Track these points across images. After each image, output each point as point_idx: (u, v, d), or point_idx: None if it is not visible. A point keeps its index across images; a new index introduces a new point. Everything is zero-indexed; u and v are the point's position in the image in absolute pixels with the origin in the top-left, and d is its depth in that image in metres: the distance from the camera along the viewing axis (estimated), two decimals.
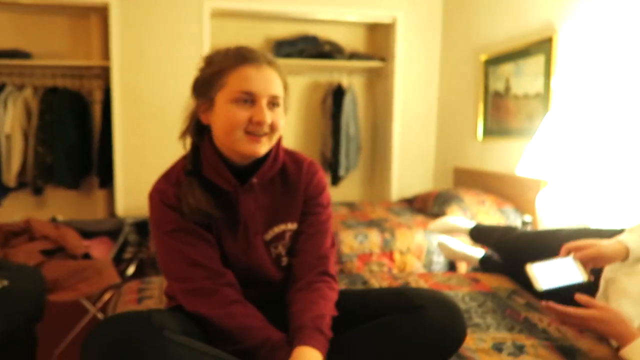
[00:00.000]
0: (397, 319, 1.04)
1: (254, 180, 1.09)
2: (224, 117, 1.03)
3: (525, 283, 1.69)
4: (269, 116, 1.03)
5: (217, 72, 1.04)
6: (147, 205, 1.11)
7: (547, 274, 1.22)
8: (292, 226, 1.16)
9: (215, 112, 1.05)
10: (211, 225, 1.08)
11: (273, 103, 1.05)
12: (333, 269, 1.17)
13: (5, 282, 1.30)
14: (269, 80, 1.04)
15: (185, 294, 1.05)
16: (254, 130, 1.03)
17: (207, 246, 1.07)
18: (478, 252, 2.08)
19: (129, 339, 0.86)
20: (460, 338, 1.07)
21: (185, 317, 1.03)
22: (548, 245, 1.59)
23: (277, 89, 1.05)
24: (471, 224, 2.11)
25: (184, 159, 1.13)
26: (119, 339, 0.86)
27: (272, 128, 1.04)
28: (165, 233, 1.06)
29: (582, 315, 1.14)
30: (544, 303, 1.18)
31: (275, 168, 1.13)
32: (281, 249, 1.16)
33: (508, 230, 1.93)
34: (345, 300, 1.13)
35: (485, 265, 2.00)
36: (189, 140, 1.14)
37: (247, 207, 1.10)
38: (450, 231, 2.18)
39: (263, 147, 1.05)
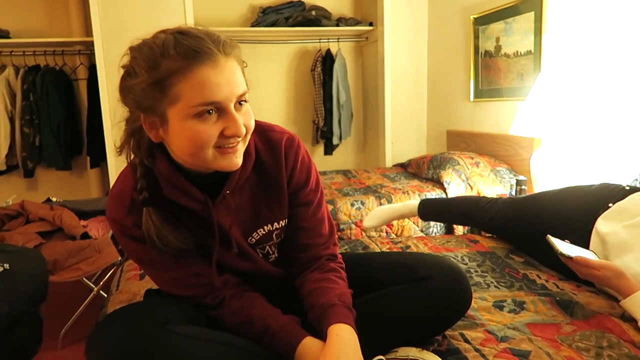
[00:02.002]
0: (403, 289, 1.03)
1: (227, 192, 0.93)
2: (185, 137, 0.81)
3: (520, 249, 1.72)
4: (242, 124, 0.83)
5: (160, 80, 0.79)
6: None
7: (566, 247, 1.26)
8: (278, 225, 1.03)
9: (170, 130, 0.83)
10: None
11: (240, 102, 0.84)
12: (337, 250, 1.10)
13: (6, 265, 1.30)
14: (231, 78, 0.81)
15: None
16: (226, 143, 0.83)
17: (197, 264, 0.97)
18: (411, 201, 2.09)
19: (133, 337, 0.81)
20: (465, 306, 1.09)
21: (183, 300, 0.98)
22: (536, 211, 1.61)
23: (241, 84, 0.83)
24: (413, 204, 2.05)
25: (131, 175, 0.92)
26: (123, 339, 0.81)
27: (246, 131, 0.85)
28: (143, 262, 0.97)
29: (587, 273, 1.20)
30: (575, 257, 1.21)
31: (249, 166, 0.95)
32: (269, 249, 1.05)
33: (479, 206, 1.83)
34: (349, 267, 1.11)
35: (424, 210, 2.00)
36: (131, 157, 0.92)
37: (222, 219, 0.95)
38: (390, 218, 2.11)
39: (239, 157, 0.87)
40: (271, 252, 1.07)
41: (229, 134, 0.82)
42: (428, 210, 1.99)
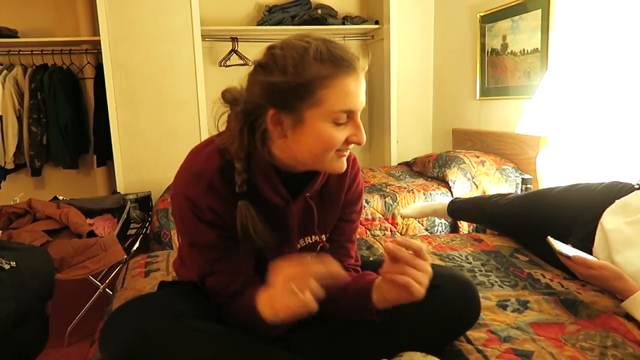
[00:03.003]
0: None
1: (307, 194, 0.99)
2: (318, 138, 0.86)
3: (525, 246, 1.72)
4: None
5: (308, 83, 0.83)
6: (170, 204, 0.98)
7: (566, 248, 1.26)
8: (325, 237, 1.06)
9: (301, 130, 0.87)
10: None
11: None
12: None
13: (13, 263, 1.31)
14: (363, 90, 0.88)
15: (208, 290, 0.98)
16: (345, 148, 0.90)
17: (245, 257, 0.97)
18: (443, 200, 2.11)
19: (148, 328, 0.82)
20: (475, 316, 1.08)
21: (198, 293, 0.99)
22: (542, 207, 1.61)
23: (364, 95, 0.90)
24: (445, 201, 2.10)
25: (216, 158, 0.93)
26: (137, 330, 0.82)
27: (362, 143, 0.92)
28: (196, 246, 0.95)
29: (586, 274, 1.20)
30: (574, 257, 1.21)
31: (326, 175, 1.01)
32: None
33: (492, 202, 1.87)
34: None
35: (453, 210, 2.03)
36: (237, 144, 0.91)
37: (293, 219, 0.99)
38: (424, 213, 2.17)
39: (346, 162, 0.95)
40: None
41: (354, 141, 0.89)
42: (453, 208, 2.03)
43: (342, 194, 1.05)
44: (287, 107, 0.86)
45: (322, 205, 1.04)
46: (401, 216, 2.37)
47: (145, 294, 0.99)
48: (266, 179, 0.93)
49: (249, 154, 0.91)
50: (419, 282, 0.82)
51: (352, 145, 0.91)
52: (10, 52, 3.33)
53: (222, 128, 0.97)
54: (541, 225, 1.55)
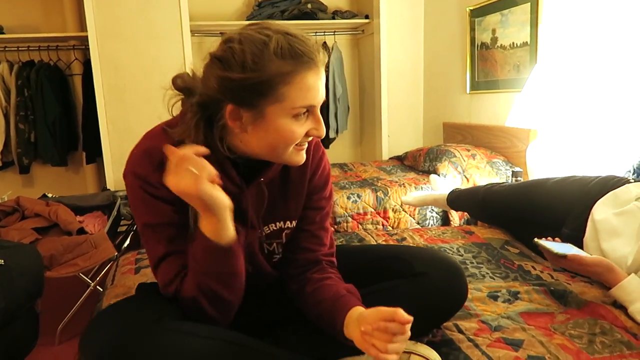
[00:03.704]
0: (399, 284, 1.03)
1: (262, 179, 0.97)
2: (277, 133, 0.86)
3: (516, 235, 1.74)
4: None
5: (269, 80, 0.82)
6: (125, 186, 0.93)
7: (557, 246, 1.26)
8: (290, 224, 1.04)
9: (261, 125, 0.86)
10: None
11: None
12: (335, 262, 1.09)
13: (1, 261, 1.30)
14: (322, 83, 0.88)
15: (164, 289, 0.93)
16: (304, 141, 0.91)
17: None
18: (444, 190, 2.11)
19: (126, 333, 0.79)
20: (461, 300, 1.09)
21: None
22: (537, 196, 1.62)
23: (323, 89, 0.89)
24: (446, 191, 2.10)
25: (164, 138, 0.90)
26: (116, 335, 0.79)
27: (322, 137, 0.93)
28: (149, 227, 0.91)
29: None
30: (570, 255, 1.21)
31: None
32: (275, 247, 1.05)
33: (486, 189, 1.90)
34: (343, 259, 1.10)
35: (453, 201, 2.03)
36: (193, 134, 0.89)
37: (248, 205, 0.97)
38: (425, 202, 2.18)
39: (308, 150, 0.95)
40: (277, 252, 1.06)
41: (314, 134, 0.90)
42: (452, 197, 2.03)
43: (305, 180, 1.03)
44: (247, 104, 0.84)
45: (285, 191, 1.02)
46: (403, 203, 2.37)
47: (123, 299, 0.96)
48: (219, 167, 0.89)
49: (204, 142, 0.88)
50: (396, 352, 0.82)
51: (311, 137, 0.91)
52: None
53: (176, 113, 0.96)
54: (534, 214, 1.57)
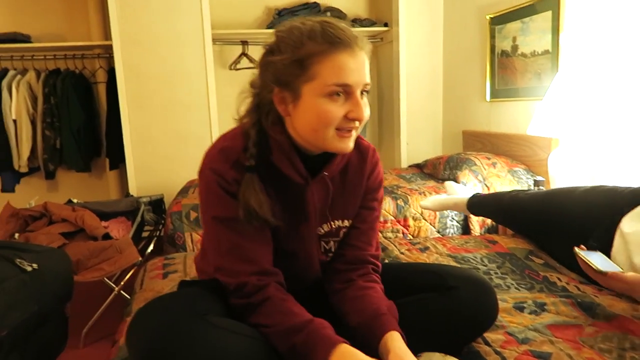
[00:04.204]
0: (430, 297, 1.04)
1: (325, 173, 1.01)
2: (315, 113, 0.90)
3: (542, 245, 1.72)
4: (363, 109, 0.92)
5: (302, 59, 0.88)
6: (199, 181, 0.98)
7: (595, 260, 1.24)
8: (348, 223, 1.08)
9: (300, 105, 0.91)
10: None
11: (363, 91, 0.93)
12: (380, 267, 1.12)
13: (35, 265, 1.34)
14: (362, 67, 0.91)
15: (226, 285, 0.97)
16: (347, 126, 0.92)
17: (263, 241, 0.98)
18: (464, 194, 2.10)
19: (174, 324, 0.83)
20: (492, 317, 1.09)
21: (222, 294, 0.98)
22: (564, 205, 1.61)
23: (368, 75, 0.93)
24: (466, 195, 2.09)
25: (241, 138, 0.98)
26: (164, 326, 0.83)
27: (362, 118, 0.93)
28: (219, 220, 0.96)
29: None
30: (610, 273, 1.19)
31: (345, 159, 1.04)
32: (332, 245, 1.08)
33: (512, 196, 1.89)
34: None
35: (474, 206, 2.02)
36: (249, 122, 0.98)
37: (312, 200, 1.02)
38: (444, 205, 2.17)
39: (352, 142, 0.95)
40: (332, 251, 1.09)
41: (352, 117, 0.91)
42: (473, 202, 2.02)
43: (363, 179, 1.07)
44: (287, 84, 0.91)
45: (344, 189, 1.06)
46: (421, 207, 2.37)
47: (168, 293, 1.00)
48: (285, 156, 0.97)
49: (262, 131, 0.97)
50: None
51: (358, 125, 0.93)
52: (24, 57, 3.37)
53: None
54: (561, 224, 1.56)
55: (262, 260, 0.97)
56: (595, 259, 1.24)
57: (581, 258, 1.25)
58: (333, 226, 1.07)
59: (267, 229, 0.99)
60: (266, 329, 0.91)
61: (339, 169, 1.04)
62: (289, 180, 0.99)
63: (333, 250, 1.10)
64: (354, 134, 0.95)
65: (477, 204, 2.00)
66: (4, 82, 3.21)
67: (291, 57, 0.89)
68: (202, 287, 1.02)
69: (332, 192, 1.04)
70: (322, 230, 1.06)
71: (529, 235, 1.80)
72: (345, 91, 0.90)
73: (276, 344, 0.90)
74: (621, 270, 1.22)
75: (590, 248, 1.29)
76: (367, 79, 0.92)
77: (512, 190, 1.94)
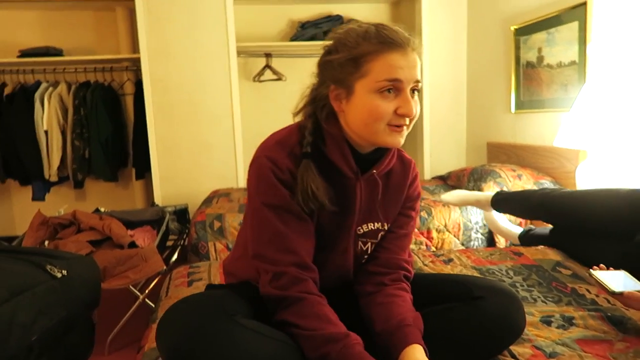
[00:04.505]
0: (455, 307, 1.03)
1: (374, 171, 1.04)
2: (366, 108, 0.94)
3: (572, 251, 1.69)
4: (414, 107, 0.95)
5: (357, 57, 0.94)
6: (250, 169, 1.01)
7: (612, 280, 1.22)
8: (386, 226, 1.11)
9: (353, 101, 0.96)
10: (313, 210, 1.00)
11: (414, 89, 0.96)
12: (411, 275, 1.13)
13: (64, 272, 1.37)
14: (413, 65, 0.94)
15: (263, 273, 0.98)
16: (397, 122, 0.95)
17: (307, 236, 1.00)
18: (517, 228, 2.08)
19: (203, 323, 0.84)
20: (519, 330, 1.07)
21: (250, 298, 1.00)
22: (607, 204, 1.58)
23: (418, 74, 0.96)
24: (489, 193, 2.08)
25: (297, 133, 1.03)
26: (194, 324, 0.85)
27: (412, 117, 0.96)
28: (267, 206, 0.97)
29: None
30: (626, 293, 1.17)
31: (393, 161, 1.08)
32: (369, 246, 1.10)
33: (544, 193, 1.88)
34: None
35: (524, 240, 2.00)
36: (305, 114, 1.04)
37: (360, 195, 1.04)
38: (466, 201, 2.15)
39: (403, 138, 0.98)
40: (368, 252, 1.11)
41: (401, 113, 0.94)
42: (498, 199, 2.01)
43: (404, 186, 1.11)
44: (341, 81, 0.96)
45: (387, 192, 1.09)
46: (442, 202, 2.35)
47: (196, 294, 1.01)
48: (337, 148, 1.01)
49: (317, 122, 1.02)
50: None
51: (408, 122, 0.96)
52: (56, 70, 3.48)
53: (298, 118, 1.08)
54: (603, 224, 1.53)
55: (304, 253, 0.98)
56: (612, 279, 1.21)
57: (596, 279, 1.22)
58: (372, 227, 1.09)
59: (311, 224, 1.01)
60: (298, 330, 0.91)
61: (386, 171, 1.07)
62: (339, 173, 1.02)
63: (369, 252, 1.11)
64: (405, 131, 0.97)
65: (503, 201, 1.98)
66: (37, 94, 3.31)
67: (347, 56, 0.95)
68: (230, 290, 1.03)
69: (375, 191, 1.06)
70: (362, 230, 1.08)
71: (564, 233, 1.77)
72: (395, 87, 0.93)
73: (307, 347, 0.90)
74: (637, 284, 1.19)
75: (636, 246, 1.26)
76: (418, 76, 0.95)
77: (541, 189, 1.91)
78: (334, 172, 1.02)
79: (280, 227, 0.97)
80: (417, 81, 0.96)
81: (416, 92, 0.97)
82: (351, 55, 0.94)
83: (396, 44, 0.93)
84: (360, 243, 1.09)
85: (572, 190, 1.80)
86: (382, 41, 0.93)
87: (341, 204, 1.03)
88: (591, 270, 1.26)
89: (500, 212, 2.17)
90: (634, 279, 1.23)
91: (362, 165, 1.03)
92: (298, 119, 1.07)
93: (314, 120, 1.02)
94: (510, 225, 2.13)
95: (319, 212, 1.01)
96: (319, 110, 1.02)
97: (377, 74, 0.92)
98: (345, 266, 1.10)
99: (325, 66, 1.00)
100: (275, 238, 0.97)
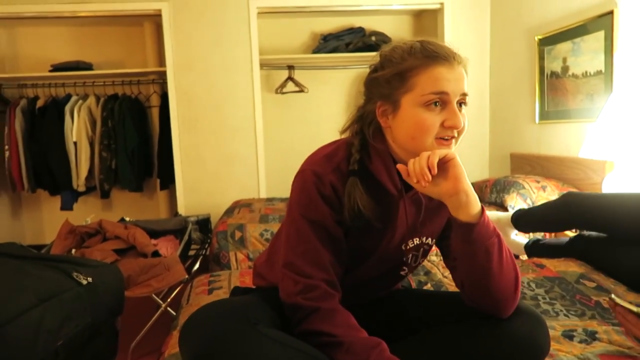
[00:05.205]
0: (477, 325, 1.02)
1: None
2: (413, 121, 0.95)
3: (598, 258, 1.66)
4: (460, 119, 0.95)
5: (402, 72, 0.95)
6: (295, 181, 1.02)
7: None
8: (431, 241, 1.12)
9: (400, 116, 0.97)
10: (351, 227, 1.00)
11: (461, 103, 0.96)
12: None
13: (90, 279, 1.41)
14: (459, 78, 0.95)
15: (291, 283, 0.98)
16: (444, 134, 0.95)
17: (338, 257, 1.00)
18: (523, 239, 2.04)
19: (227, 331, 0.85)
20: (543, 353, 1.04)
21: (275, 306, 1.00)
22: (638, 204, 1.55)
23: (465, 87, 0.96)
24: (508, 213, 2.04)
25: (344, 149, 1.03)
26: (217, 331, 0.85)
27: (460, 130, 0.96)
28: (305, 219, 0.98)
29: None
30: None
31: None
32: (412, 259, 1.11)
33: (565, 194, 1.85)
34: (422, 299, 1.13)
35: (531, 250, 1.96)
36: (352, 131, 1.05)
37: (403, 213, 1.04)
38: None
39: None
40: (412, 265, 1.13)
41: (448, 125, 0.94)
42: (519, 214, 1.98)
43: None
44: (388, 96, 0.97)
45: (433, 209, 1.08)
46: None
47: (220, 299, 1.02)
48: (383, 164, 1.01)
49: (364, 139, 1.03)
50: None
51: (457, 134, 0.96)
52: (86, 84, 3.60)
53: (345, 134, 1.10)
54: (632, 224, 1.50)
55: (333, 272, 0.99)
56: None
57: (620, 305, 1.17)
58: (418, 242, 1.10)
59: (343, 244, 1.01)
60: (332, 338, 0.91)
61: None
62: (384, 190, 1.02)
63: (413, 265, 1.12)
64: (453, 143, 0.97)
65: (524, 216, 1.95)
66: (67, 107, 3.43)
67: (393, 72, 0.96)
68: (254, 295, 1.04)
69: (424, 207, 1.06)
70: (409, 245, 1.09)
71: (590, 240, 1.74)
72: (442, 100, 0.94)
73: (342, 354, 0.90)
74: None
75: None
76: (465, 89, 0.96)
77: (562, 195, 1.87)
78: (378, 190, 1.02)
79: (316, 242, 0.98)
80: (465, 94, 0.96)
81: (464, 106, 0.97)
82: (397, 70, 0.95)
83: (441, 57, 0.93)
84: (404, 258, 1.10)
85: (601, 193, 1.76)
86: (427, 55, 0.94)
87: (385, 220, 1.03)
88: (613, 295, 1.22)
89: (521, 229, 2.12)
90: None
91: (406, 184, 1.02)
92: (344, 136, 1.07)
93: (361, 137, 1.03)
94: (516, 236, 2.09)
95: (362, 227, 1.00)
96: (366, 127, 1.03)
97: (423, 87, 0.93)
98: (386, 279, 1.11)
99: (371, 83, 1.01)
100: (310, 252, 0.98)
